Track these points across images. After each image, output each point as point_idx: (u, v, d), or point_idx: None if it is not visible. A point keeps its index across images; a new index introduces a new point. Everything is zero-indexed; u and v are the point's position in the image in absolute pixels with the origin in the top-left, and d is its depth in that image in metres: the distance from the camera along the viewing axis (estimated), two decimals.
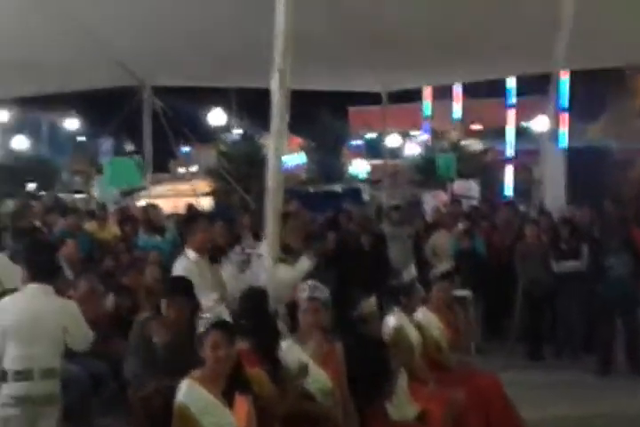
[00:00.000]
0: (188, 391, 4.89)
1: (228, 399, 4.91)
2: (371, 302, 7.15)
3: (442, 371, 7.38)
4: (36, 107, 30.65)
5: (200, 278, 7.00)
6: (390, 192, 20.94)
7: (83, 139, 37.69)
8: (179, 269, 7.11)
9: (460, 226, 12.85)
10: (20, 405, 5.58)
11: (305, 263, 8.11)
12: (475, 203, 19.35)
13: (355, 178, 33.22)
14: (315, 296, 6.02)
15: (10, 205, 17.04)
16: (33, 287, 5.86)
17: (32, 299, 5.83)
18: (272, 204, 6.70)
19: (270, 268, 7.11)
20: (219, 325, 5.09)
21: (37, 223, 12.67)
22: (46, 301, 5.90)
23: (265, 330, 5.74)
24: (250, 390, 5.04)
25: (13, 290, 6.08)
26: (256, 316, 5.84)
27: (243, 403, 4.94)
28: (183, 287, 6.15)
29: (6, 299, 5.88)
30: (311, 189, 26.09)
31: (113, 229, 12.87)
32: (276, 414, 5.39)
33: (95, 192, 24.13)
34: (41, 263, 6.01)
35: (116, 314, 8.33)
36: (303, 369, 5.63)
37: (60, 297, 6.16)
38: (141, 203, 17.59)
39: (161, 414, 5.00)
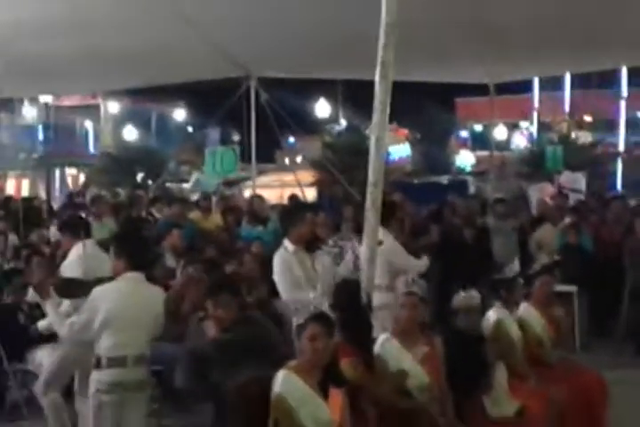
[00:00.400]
0: (285, 382, 4.93)
1: (323, 391, 4.94)
2: (471, 296, 7.07)
3: (543, 367, 7.20)
4: (146, 98, 31.24)
5: (300, 269, 7.06)
6: (496, 184, 20.56)
7: (191, 129, 38.29)
8: (277, 261, 7.16)
9: (567, 220, 12.57)
10: (112, 391, 5.64)
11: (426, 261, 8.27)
12: (582, 196, 18.87)
13: (461, 170, 32.85)
14: (412, 291, 6.00)
15: (122, 194, 17.47)
16: (129, 276, 5.90)
17: (128, 288, 5.89)
18: (372, 195, 6.65)
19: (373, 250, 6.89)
20: (317, 317, 5.12)
21: (143, 213, 12.92)
22: (143, 289, 5.98)
23: (358, 322, 5.73)
24: (344, 383, 5.05)
25: (108, 278, 6.08)
26: (349, 308, 5.83)
27: (337, 396, 4.97)
28: (228, 286, 6.25)
29: (104, 287, 5.89)
30: (416, 181, 25.91)
31: (216, 219, 12.98)
32: (371, 400, 5.38)
33: (190, 182, 24.42)
34: (139, 253, 6.08)
35: None
36: (402, 375, 5.61)
37: (153, 285, 6.18)
38: (246, 193, 17.76)
39: (257, 403, 5.05)
